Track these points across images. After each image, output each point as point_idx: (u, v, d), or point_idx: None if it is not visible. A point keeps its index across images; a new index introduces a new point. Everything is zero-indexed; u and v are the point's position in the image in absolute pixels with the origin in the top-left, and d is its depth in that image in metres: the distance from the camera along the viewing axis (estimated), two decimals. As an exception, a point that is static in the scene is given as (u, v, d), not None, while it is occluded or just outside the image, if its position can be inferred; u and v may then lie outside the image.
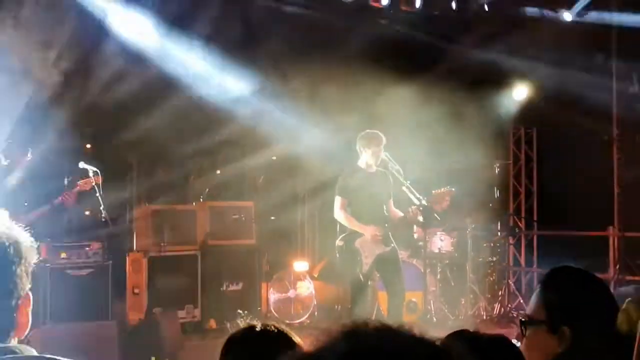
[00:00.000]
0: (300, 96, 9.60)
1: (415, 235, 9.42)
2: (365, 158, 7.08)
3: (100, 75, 8.67)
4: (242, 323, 2.40)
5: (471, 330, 2.17)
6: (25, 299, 1.66)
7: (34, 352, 1.67)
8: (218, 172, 10.75)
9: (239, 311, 8.27)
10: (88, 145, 10.19)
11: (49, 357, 1.64)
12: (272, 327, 2.25)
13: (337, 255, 7.19)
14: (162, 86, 8.95)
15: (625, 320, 2.05)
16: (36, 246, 1.70)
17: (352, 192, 7.01)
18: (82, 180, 7.44)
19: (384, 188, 7.13)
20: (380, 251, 6.97)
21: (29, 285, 1.68)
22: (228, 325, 8.21)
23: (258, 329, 2.24)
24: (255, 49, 9.21)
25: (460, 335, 2.08)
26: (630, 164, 10.66)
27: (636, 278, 10.20)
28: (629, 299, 2.08)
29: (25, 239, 1.65)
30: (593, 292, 2.25)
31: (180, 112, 9.33)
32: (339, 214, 7.04)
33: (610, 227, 11.02)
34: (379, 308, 8.65)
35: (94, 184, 7.42)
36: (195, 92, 9.15)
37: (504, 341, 2.10)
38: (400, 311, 7.15)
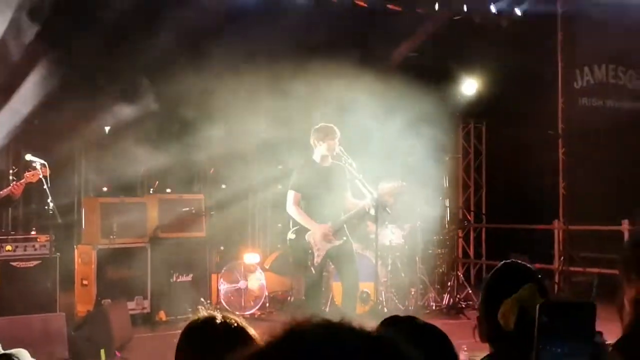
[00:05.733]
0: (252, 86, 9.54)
1: (368, 228, 9.47)
2: (321, 151, 6.98)
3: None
4: (203, 311, 2.40)
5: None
6: None
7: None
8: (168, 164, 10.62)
9: (202, 299, 8.44)
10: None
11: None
12: (233, 320, 2.27)
13: (289, 248, 7.19)
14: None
15: (502, 318, 2.16)
16: None
17: (306, 186, 6.94)
18: (29, 172, 7.30)
19: (341, 181, 7.09)
20: (332, 245, 6.97)
21: None
22: (178, 317, 8.31)
23: (219, 320, 2.25)
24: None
25: (394, 321, 2.11)
26: (575, 157, 10.93)
27: (579, 270, 10.45)
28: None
29: None
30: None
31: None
32: (292, 209, 6.97)
33: (556, 221, 11.27)
34: (333, 299, 8.71)
35: (41, 176, 7.28)
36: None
37: (436, 328, 2.13)
38: (354, 302, 7.19)
